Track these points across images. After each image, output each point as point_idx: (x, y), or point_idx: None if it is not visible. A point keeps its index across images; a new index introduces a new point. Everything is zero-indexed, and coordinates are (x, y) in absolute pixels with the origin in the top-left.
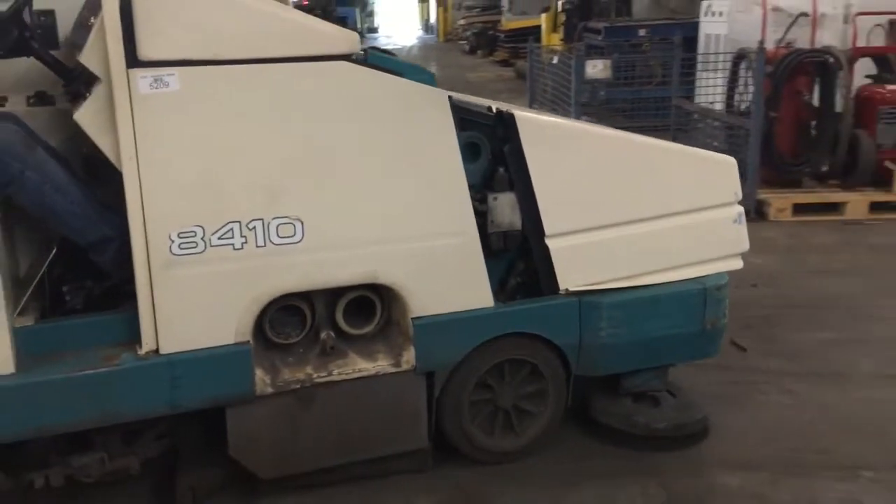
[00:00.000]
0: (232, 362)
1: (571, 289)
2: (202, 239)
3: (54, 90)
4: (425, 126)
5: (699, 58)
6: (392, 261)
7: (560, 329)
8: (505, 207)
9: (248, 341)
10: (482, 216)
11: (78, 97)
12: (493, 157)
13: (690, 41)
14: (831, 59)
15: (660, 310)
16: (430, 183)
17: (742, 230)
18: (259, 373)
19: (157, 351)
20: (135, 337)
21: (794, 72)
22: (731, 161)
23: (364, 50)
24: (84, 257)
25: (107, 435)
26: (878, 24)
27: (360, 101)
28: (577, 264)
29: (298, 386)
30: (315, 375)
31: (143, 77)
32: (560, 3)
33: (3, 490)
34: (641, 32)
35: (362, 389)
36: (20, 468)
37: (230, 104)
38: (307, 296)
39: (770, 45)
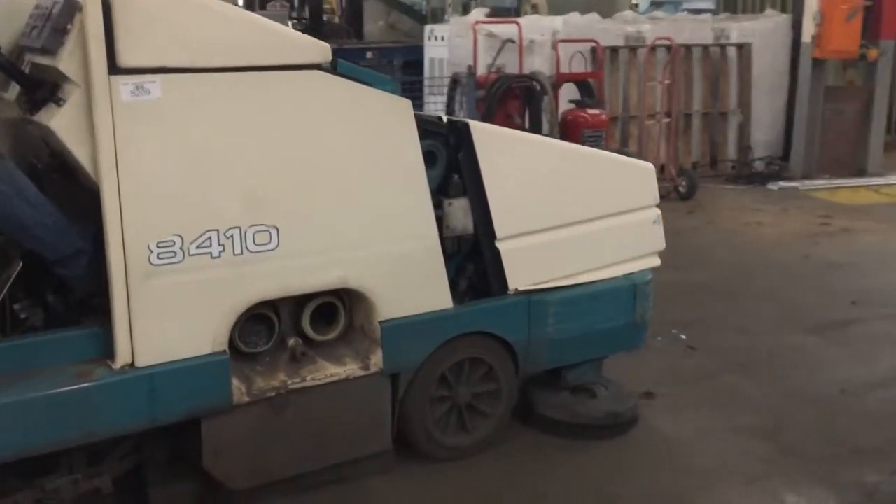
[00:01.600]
0: (210, 372)
1: (520, 288)
2: (181, 248)
3: None
4: (393, 134)
5: (425, 81)
6: (361, 265)
7: (512, 326)
8: (459, 212)
9: (225, 350)
10: (437, 221)
11: (40, 105)
12: (446, 164)
13: (421, 64)
14: (537, 85)
15: (598, 305)
16: (397, 188)
17: (659, 230)
18: (235, 382)
19: (132, 364)
20: (102, 353)
21: (504, 96)
22: (651, 167)
23: (333, 60)
24: (36, 273)
25: (72, 456)
26: (579, 51)
27: (332, 109)
28: (525, 265)
29: (273, 394)
30: (289, 382)
31: (124, 84)
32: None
33: None
34: (369, 55)
35: (332, 394)
36: None
37: (209, 112)
38: (273, 304)
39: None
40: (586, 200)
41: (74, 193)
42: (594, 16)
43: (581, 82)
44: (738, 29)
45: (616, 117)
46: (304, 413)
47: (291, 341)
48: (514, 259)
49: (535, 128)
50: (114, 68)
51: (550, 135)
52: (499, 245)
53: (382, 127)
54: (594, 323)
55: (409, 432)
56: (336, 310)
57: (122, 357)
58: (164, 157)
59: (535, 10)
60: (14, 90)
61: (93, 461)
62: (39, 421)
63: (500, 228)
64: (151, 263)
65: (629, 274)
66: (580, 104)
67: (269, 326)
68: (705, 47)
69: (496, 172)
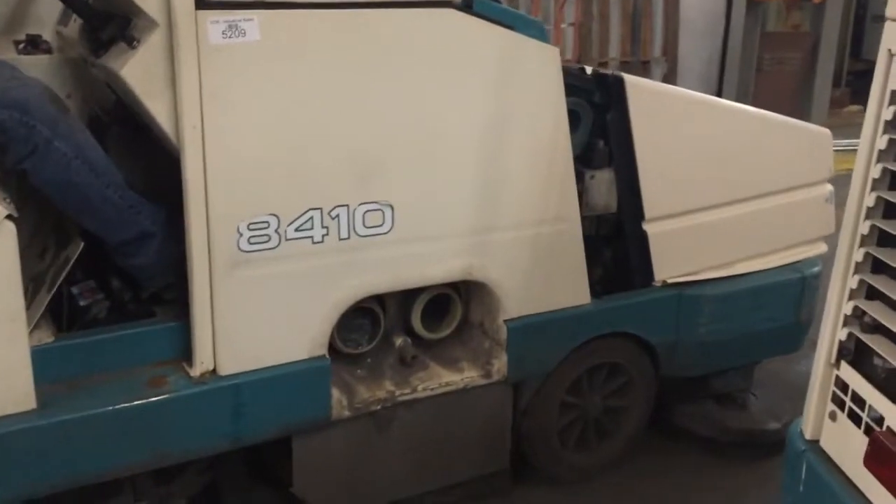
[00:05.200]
0: (307, 382)
1: (669, 280)
2: (276, 231)
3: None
4: (536, 91)
5: None
6: (488, 253)
7: (657, 326)
8: (602, 186)
9: (325, 355)
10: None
11: (107, 44)
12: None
13: None
14: None
15: (760, 301)
16: (537, 158)
17: (831, 211)
18: (335, 393)
19: (214, 371)
20: (179, 354)
21: None
22: (828, 134)
23: None
24: (98, 252)
25: (138, 476)
26: None
27: (466, 57)
28: (675, 252)
29: (379, 406)
30: (397, 393)
31: (214, 22)
32: None
33: None
34: None
35: (445, 406)
36: None
37: (318, 60)
38: (379, 295)
39: None
40: (753, 174)
41: (146, 152)
42: None
43: None
44: None
45: None
46: (412, 428)
47: (399, 341)
48: (663, 244)
49: None
50: (201, 2)
51: None
52: (646, 227)
53: (525, 81)
54: (753, 322)
55: (529, 450)
56: (450, 302)
57: (202, 363)
58: (261, 117)
59: None
60: (76, 24)
61: (161, 481)
62: (100, 442)
63: (650, 207)
64: (241, 249)
65: (795, 263)
66: None
67: (373, 321)
68: None
69: (651, 139)
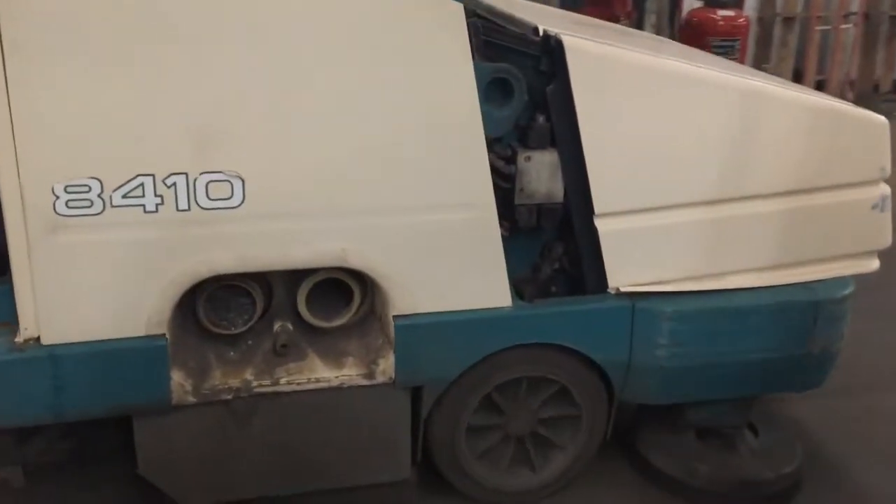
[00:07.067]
0: (139, 361)
1: (623, 288)
2: (100, 196)
3: None
4: (431, 50)
5: None
6: (368, 238)
7: (602, 342)
8: (542, 171)
9: (164, 334)
10: (509, 180)
11: None
12: (531, 100)
13: None
14: None
15: (746, 325)
16: (430, 131)
17: (884, 219)
18: (177, 376)
19: (38, 339)
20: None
21: None
22: (882, 122)
23: None
24: None
25: None
26: None
27: (337, 8)
28: (637, 255)
29: (230, 396)
30: (255, 383)
31: None
32: None
33: None
34: None
35: (320, 403)
36: None
37: (143, 5)
38: (263, 275)
39: None
40: (754, 166)
41: None
42: None
43: None
44: None
45: (793, 18)
46: (279, 423)
47: (277, 326)
48: (619, 245)
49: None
50: None
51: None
52: (597, 223)
53: (416, 40)
54: (738, 350)
55: (438, 463)
56: (352, 289)
57: (26, 329)
58: (74, 70)
59: None
60: None
61: (23, 441)
62: None
63: (601, 200)
64: (58, 213)
65: (811, 283)
66: (711, 3)
67: (253, 300)
68: None
69: (602, 117)
